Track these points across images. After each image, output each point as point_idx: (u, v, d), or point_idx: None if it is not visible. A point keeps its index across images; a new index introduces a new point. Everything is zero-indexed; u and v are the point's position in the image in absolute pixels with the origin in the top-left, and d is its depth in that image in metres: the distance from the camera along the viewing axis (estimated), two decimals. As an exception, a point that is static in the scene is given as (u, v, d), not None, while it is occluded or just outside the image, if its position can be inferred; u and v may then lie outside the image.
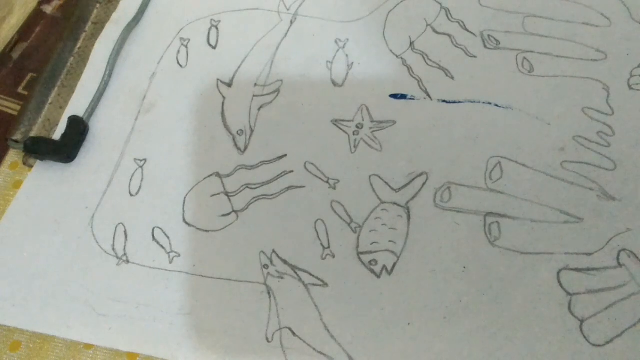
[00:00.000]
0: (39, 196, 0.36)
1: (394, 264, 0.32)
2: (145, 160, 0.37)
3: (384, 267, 0.32)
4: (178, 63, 0.41)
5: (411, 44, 0.40)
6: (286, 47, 0.41)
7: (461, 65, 0.38)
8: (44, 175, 0.37)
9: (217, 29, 0.42)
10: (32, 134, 0.38)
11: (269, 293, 0.31)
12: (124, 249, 0.34)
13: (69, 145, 0.37)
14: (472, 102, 0.36)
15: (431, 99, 0.37)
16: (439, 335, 0.29)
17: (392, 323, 0.30)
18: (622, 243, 0.30)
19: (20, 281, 0.33)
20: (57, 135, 0.38)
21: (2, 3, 0.44)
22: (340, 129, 0.37)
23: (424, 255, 0.32)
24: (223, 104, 0.39)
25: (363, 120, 0.37)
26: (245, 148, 0.37)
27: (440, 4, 0.41)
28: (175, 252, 0.33)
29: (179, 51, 0.42)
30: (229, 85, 0.39)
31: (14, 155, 0.38)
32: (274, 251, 0.33)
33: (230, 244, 0.33)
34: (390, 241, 0.32)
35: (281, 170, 0.35)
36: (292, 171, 0.35)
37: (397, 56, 0.39)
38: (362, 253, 0.32)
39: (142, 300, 0.32)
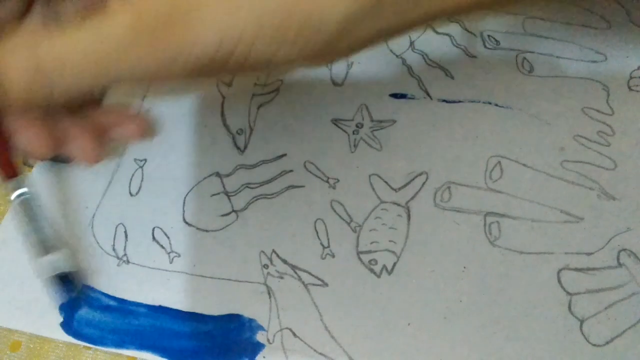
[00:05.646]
0: (39, 196, 0.36)
1: (394, 264, 0.32)
2: (145, 160, 0.37)
3: (384, 266, 0.31)
4: (178, 62, 0.41)
5: (411, 43, 0.40)
6: (286, 46, 0.40)
7: (461, 65, 0.38)
8: (44, 175, 0.37)
9: (216, 28, 0.42)
10: (32, 133, 0.38)
11: (269, 293, 0.31)
12: (124, 249, 0.34)
13: (68, 145, 0.37)
14: (472, 101, 0.36)
15: (431, 99, 0.37)
16: (439, 335, 0.29)
17: (392, 323, 0.30)
18: (622, 243, 0.30)
19: (22, 283, 0.33)
20: (56, 134, 0.38)
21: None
22: (340, 128, 0.37)
23: (424, 255, 0.32)
24: (223, 103, 0.39)
25: (363, 119, 0.37)
26: (245, 147, 0.37)
27: (440, 3, 0.41)
28: (176, 252, 0.33)
29: (178, 50, 0.41)
30: (229, 84, 0.39)
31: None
32: (274, 251, 0.33)
33: (230, 244, 0.33)
34: (390, 241, 0.32)
35: (281, 170, 0.35)
36: (291, 170, 0.35)
37: (397, 56, 0.39)
38: (362, 252, 0.32)
39: (143, 301, 0.32)
